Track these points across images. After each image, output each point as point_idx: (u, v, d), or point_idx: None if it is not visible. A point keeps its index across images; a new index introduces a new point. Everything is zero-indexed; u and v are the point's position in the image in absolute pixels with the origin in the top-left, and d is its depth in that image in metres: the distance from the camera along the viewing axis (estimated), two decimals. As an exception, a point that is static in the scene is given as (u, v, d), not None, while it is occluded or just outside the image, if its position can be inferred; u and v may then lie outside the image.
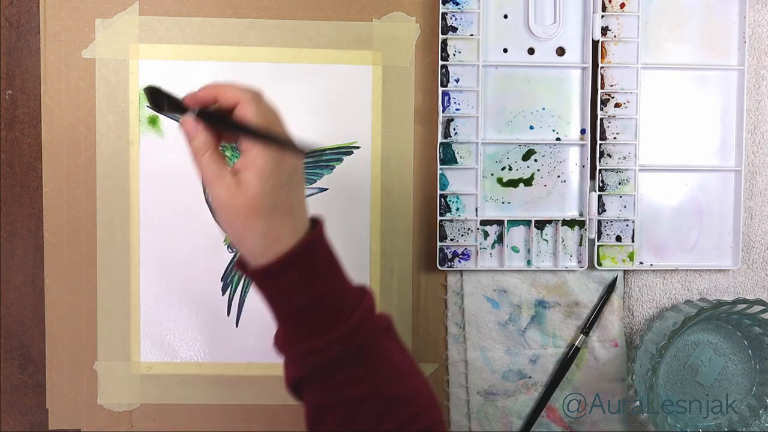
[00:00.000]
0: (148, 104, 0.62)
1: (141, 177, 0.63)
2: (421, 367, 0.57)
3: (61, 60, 0.63)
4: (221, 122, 0.46)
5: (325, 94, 0.64)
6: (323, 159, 0.64)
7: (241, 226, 0.44)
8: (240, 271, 0.49)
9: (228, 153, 0.64)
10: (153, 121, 0.63)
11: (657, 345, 0.60)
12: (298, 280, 0.45)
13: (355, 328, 0.45)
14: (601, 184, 0.64)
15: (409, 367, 0.49)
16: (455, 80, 0.63)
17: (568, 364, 0.65)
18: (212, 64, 0.63)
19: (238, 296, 0.64)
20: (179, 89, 0.64)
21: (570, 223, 0.65)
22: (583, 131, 0.65)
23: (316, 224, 0.47)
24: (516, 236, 0.65)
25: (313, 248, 0.45)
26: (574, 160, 0.65)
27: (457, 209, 0.64)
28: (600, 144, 0.64)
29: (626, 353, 0.65)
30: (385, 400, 0.46)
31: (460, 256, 0.64)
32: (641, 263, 0.65)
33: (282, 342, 0.47)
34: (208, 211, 0.64)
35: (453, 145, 0.63)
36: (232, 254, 0.64)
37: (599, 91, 0.64)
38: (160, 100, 0.49)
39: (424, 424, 0.47)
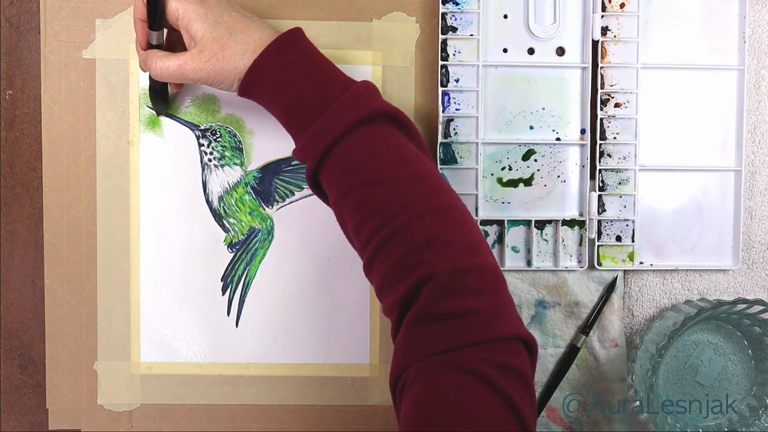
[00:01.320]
0: (150, 105, 0.63)
1: (141, 177, 0.63)
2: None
3: (61, 60, 0.63)
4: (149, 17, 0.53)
5: (325, 94, 0.64)
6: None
7: (225, 61, 0.51)
8: (243, 95, 0.53)
9: (228, 153, 0.64)
10: (153, 122, 0.63)
11: (657, 345, 0.60)
12: (280, 69, 0.50)
13: (340, 111, 0.49)
14: (601, 184, 0.64)
15: (415, 155, 0.50)
16: (455, 80, 0.63)
17: (568, 364, 0.65)
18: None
19: (238, 296, 0.64)
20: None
21: (570, 223, 0.65)
22: (583, 131, 0.65)
23: (296, 29, 0.53)
24: (516, 236, 0.65)
25: (288, 40, 0.51)
26: (574, 160, 0.65)
27: (457, 209, 0.64)
28: (600, 144, 0.64)
29: (626, 353, 0.65)
30: (392, 181, 0.47)
31: (460, 256, 0.64)
32: (641, 263, 0.65)
33: (296, 148, 0.51)
34: (209, 211, 0.64)
35: (453, 145, 0.63)
36: (232, 254, 0.64)
37: (599, 91, 0.64)
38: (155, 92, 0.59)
39: (443, 200, 0.48)
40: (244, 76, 0.51)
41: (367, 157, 0.48)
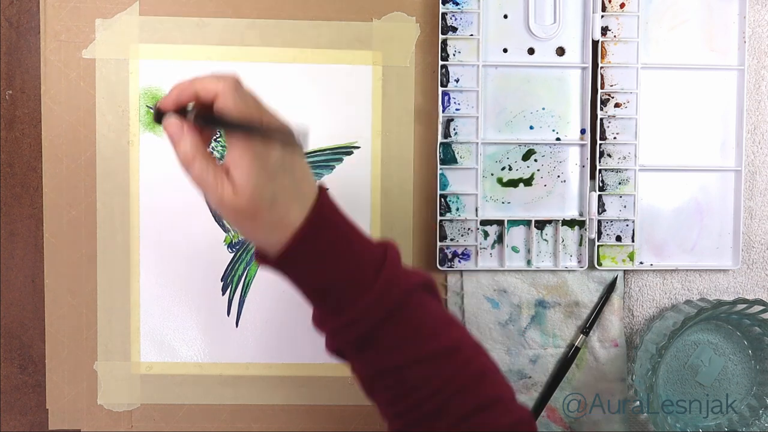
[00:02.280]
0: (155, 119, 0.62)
1: (141, 177, 0.64)
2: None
3: (61, 60, 0.63)
4: (204, 120, 0.43)
5: (325, 94, 0.64)
6: (323, 159, 0.64)
7: (249, 226, 0.44)
8: (261, 264, 0.47)
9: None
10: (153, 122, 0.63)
11: (657, 345, 0.60)
12: (314, 256, 0.44)
13: (380, 296, 0.45)
14: (601, 184, 0.64)
15: (446, 320, 0.48)
16: (455, 80, 0.63)
17: (568, 364, 0.65)
18: (212, 64, 0.63)
19: (238, 296, 0.64)
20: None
21: (570, 223, 0.65)
22: (583, 131, 0.65)
23: (319, 196, 0.45)
24: (516, 236, 0.65)
25: (319, 223, 0.44)
26: (574, 160, 0.65)
27: (457, 209, 0.64)
28: (600, 144, 0.64)
29: (626, 353, 0.65)
30: (430, 358, 0.46)
31: (460, 256, 0.64)
32: (641, 263, 0.65)
33: (318, 321, 0.47)
34: (209, 211, 0.64)
35: (453, 145, 0.63)
36: (232, 254, 0.64)
37: (599, 91, 0.64)
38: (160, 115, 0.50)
39: (476, 368, 0.47)
40: (270, 263, 0.46)
41: (403, 338, 0.46)
